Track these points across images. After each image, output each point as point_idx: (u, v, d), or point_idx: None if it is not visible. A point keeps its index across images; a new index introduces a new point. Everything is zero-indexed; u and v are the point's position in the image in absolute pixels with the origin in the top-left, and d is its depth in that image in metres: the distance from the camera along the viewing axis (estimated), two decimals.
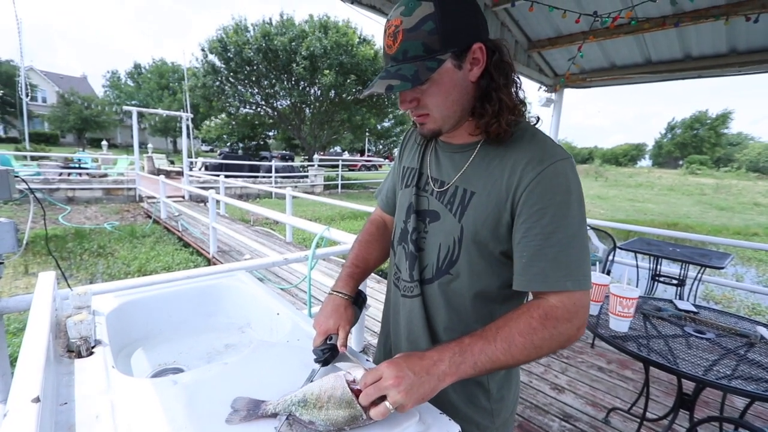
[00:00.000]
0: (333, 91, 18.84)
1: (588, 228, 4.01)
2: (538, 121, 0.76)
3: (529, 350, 0.63)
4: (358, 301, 0.89)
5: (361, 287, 0.92)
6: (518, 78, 0.73)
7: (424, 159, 0.85)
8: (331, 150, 35.70)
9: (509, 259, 0.72)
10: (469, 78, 0.68)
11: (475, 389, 0.79)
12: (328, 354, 0.74)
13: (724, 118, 50.90)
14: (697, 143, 52.37)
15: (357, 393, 0.61)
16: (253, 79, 19.03)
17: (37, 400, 0.50)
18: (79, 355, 0.77)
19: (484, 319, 0.74)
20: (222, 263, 4.42)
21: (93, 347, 0.80)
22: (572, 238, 0.64)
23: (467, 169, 0.75)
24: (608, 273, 3.32)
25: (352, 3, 2.44)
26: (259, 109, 21.57)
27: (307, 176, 16.90)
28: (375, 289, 4.13)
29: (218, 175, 11.94)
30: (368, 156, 35.32)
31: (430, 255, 0.79)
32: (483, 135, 0.73)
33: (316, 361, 0.74)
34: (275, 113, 21.51)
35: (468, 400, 0.79)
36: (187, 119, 12.60)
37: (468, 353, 0.62)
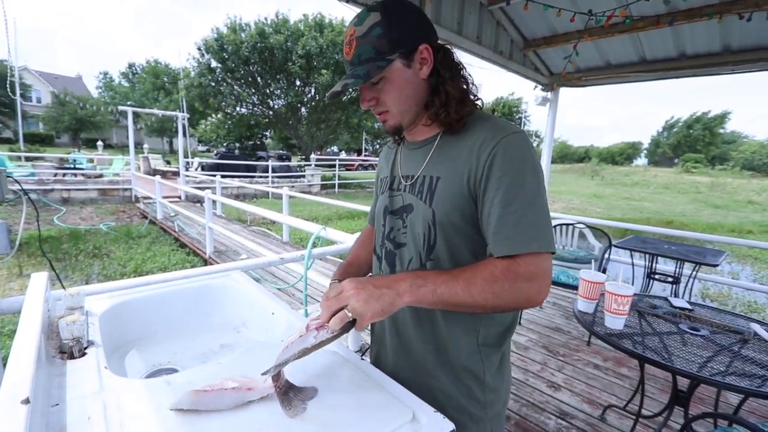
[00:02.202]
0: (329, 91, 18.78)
1: (584, 226, 4.03)
2: (493, 113, 0.81)
3: (488, 294, 0.65)
4: None
5: None
6: (469, 75, 0.80)
7: (394, 164, 0.91)
8: (328, 150, 35.63)
9: (482, 236, 0.75)
10: (420, 76, 0.76)
11: (471, 381, 0.81)
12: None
13: (721, 119, 51.06)
14: (692, 142, 52.55)
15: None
16: (249, 78, 18.96)
17: (26, 401, 0.50)
18: (72, 356, 0.76)
19: None
20: (219, 263, 4.40)
21: (86, 348, 0.79)
22: (531, 204, 0.68)
23: (431, 158, 0.80)
24: (604, 271, 3.33)
25: (347, 2, 2.43)
26: (255, 108, 21.47)
27: (303, 176, 16.88)
28: None
29: (215, 175, 11.87)
30: (365, 155, 35.27)
31: (412, 248, 0.82)
32: (440, 127, 0.80)
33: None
34: (271, 113, 21.44)
35: (463, 390, 0.81)
36: (183, 119, 12.52)
37: (431, 280, 0.66)
